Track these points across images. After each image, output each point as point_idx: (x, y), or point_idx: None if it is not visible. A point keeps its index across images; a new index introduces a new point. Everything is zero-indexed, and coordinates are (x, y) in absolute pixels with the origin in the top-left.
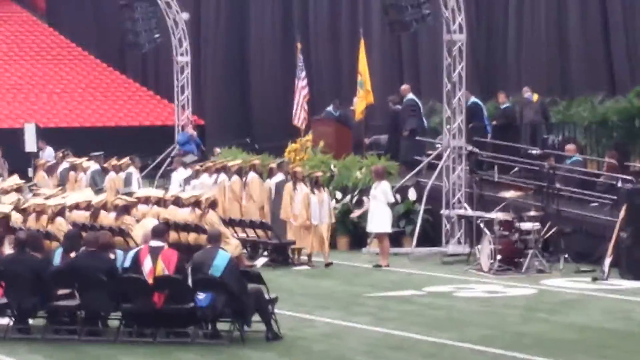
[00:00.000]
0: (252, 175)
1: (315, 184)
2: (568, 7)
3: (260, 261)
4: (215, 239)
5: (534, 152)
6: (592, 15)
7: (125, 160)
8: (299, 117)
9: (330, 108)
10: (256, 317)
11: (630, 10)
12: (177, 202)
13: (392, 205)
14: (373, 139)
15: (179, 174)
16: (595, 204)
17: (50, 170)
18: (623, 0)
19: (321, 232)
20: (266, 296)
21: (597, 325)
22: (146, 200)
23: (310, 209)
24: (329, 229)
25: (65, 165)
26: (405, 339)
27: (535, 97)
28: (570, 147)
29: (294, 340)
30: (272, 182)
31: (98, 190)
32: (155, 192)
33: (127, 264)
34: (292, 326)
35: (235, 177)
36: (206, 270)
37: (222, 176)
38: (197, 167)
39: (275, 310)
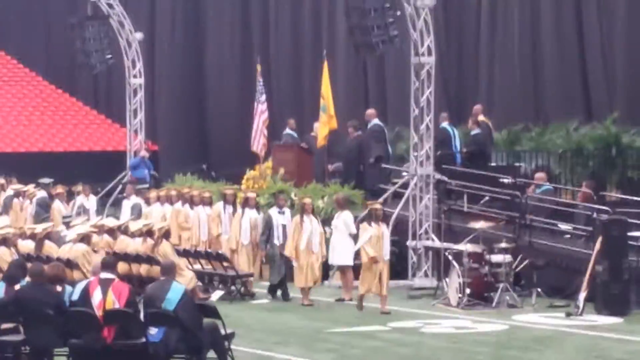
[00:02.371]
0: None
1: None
2: (542, 30)
3: (216, 294)
4: (169, 270)
5: (505, 181)
6: (568, 39)
7: (77, 187)
8: (258, 142)
9: (287, 130)
10: (212, 354)
11: (608, 33)
12: (128, 232)
13: (356, 236)
14: (336, 166)
15: (131, 202)
16: (570, 236)
17: None
18: (600, 23)
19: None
20: (222, 331)
21: None
22: (98, 230)
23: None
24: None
25: (9, 192)
26: None
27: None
28: (540, 175)
29: None
30: (251, 214)
31: (44, 219)
32: (108, 222)
33: (75, 297)
34: None
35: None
36: (159, 304)
37: (177, 205)
38: (150, 194)
39: (232, 347)
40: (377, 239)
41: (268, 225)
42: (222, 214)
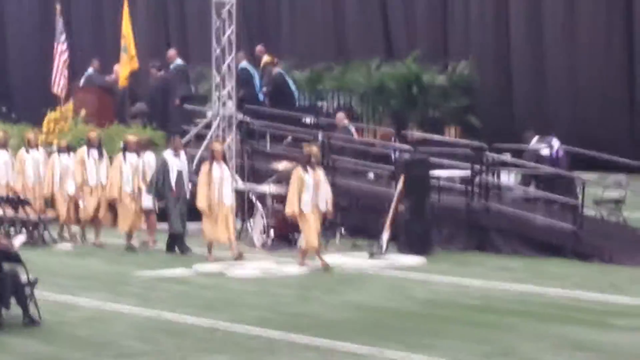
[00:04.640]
0: None
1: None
2: None
3: (19, 240)
4: None
5: (307, 120)
6: None
7: None
8: (59, 84)
9: (90, 70)
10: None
11: None
12: None
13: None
14: (138, 107)
15: None
16: (372, 176)
17: None
18: None
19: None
20: (25, 277)
21: (376, 303)
22: None
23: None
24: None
25: None
26: (176, 321)
27: None
28: (339, 115)
29: (55, 325)
30: (132, 159)
31: None
32: None
33: None
34: (54, 310)
35: None
36: None
37: None
38: None
39: (35, 293)
40: (315, 187)
41: (164, 170)
42: (87, 159)
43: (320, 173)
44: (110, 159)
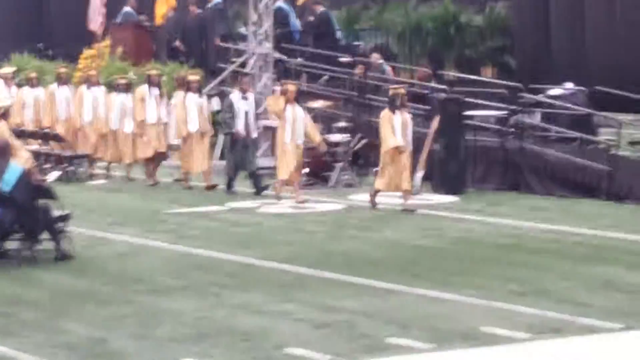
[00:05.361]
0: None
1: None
2: None
3: (53, 175)
4: (4, 150)
5: (343, 59)
6: None
7: None
8: (96, 21)
9: (127, 9)
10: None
11: None
12: None
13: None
14: (176, 45)
15: None
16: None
17: None
18: None
19: None
20: (57, 212)
21: (409, 242)
22: None
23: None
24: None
25: None
26: (208, 257)
27: None
28: (375, 55)
29: (88, 259)
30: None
31: None
32: None
33: None
34: (86, 244)
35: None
36: None
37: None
38: None
39: (68, 228)
40: (403, 128)
41: (231, 111)
42: (147, 97)
43: (406, 114)
44: None
